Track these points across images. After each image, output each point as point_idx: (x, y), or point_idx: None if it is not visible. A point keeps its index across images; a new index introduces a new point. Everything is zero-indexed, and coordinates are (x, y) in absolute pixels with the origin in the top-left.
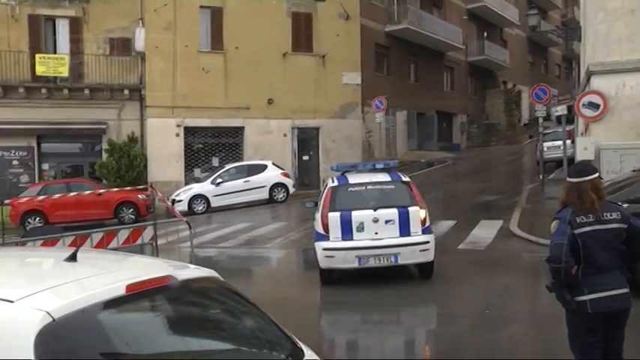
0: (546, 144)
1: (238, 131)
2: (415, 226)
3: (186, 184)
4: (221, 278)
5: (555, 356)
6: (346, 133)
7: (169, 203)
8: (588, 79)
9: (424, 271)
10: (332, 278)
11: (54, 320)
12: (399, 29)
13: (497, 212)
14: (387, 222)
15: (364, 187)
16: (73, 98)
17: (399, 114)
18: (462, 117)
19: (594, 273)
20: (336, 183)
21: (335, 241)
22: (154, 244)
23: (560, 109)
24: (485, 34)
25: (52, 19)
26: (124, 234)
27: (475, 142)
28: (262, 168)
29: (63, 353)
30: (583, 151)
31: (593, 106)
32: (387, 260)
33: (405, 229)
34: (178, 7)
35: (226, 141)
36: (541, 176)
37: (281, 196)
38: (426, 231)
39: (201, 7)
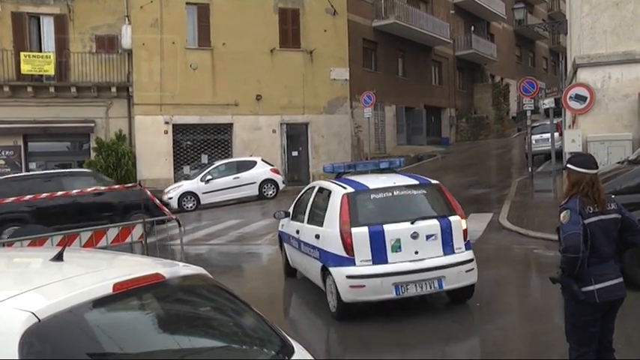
0: (534, 137)
1: (227, 128)
2: (458, 241)
3: (176, 181)
4: (210, 276)
5: (549, 347)
6: (335, 129)
7: (158, 201)
8: (575, 72)
9: (462, 295)
10: (352, 312)
11: (39, 321)
12: (386, 24)
13: (486, 205)
14: (428, 237)
15: (391, 194)
16: (59, 97)
17: (387, 109)
18: (450, 111)
19: (598, 262)
20: (350, 189)
21: (364, 265)
22: (144, 242)
23: (548, 102)
24: (473, 28)
25: (36, 17)
26: (113, 232)
27: (464, 135)
28: (252, 164)
29: (49, 354)
30: (571, 144)
31: (580, 98)
32: (431, 286)
33: (448, 246)
34: (164, 4)
35: (215, 138)
36: (530, 169)
37: (271, 192)
38: (468, 246)
39: (187, 3)
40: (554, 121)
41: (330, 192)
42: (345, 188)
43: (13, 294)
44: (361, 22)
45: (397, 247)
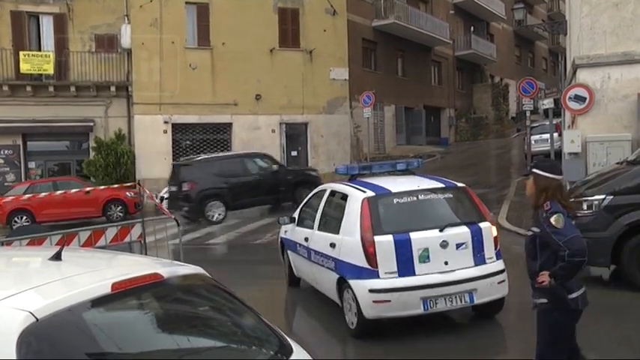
0: (534, 137)
1: (226, 127)
2: (489, 250)
3: None
4: (208, 275)
5: None
6: (334, 129)
7: (158, 200)
8: (574, 73)
9: (490, 309)
10: (373, 329)
11: (37, 320)
12: (386, 24)
13: (485, 205)
14: (458, 246)
15: (415, 198)
16: (58, 96)
17: (387, 109)
18: (449, 111)
19: None
20: (370, 193)
21: (389, 277)
22: (143, 241)
23: (547, 103)
24: (472, 28)
25: (35, 16)
26: (112, 232)
27: (463, 136)
28: None
29: (47, 353)
30: (570, 144)
31: (579, 99)
32: (462, 300)
33: (479, 255)
34: (164, 4)
35: (214, 137)
36: (529, 169)
37: None
38: (499, 255)
39: (187, 3)
40: (554, 122)
41: (346, 196)
42: (364, 192)
43: (11, 293)
44: (361, 22)
45: (425, 258)
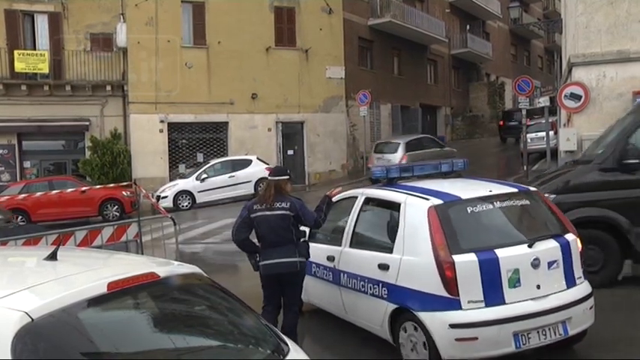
0: (530, 135)
1: (222, 126)
2: (578, 268)
3: (171, 180)
4: (205, 274)
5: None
6: (331, 127)
7: (154, 200)
8: (570, 71)
9: (571, 339)
10: None
11: (32, 320)
12: (382, 23)
13: None
14: (549, 265)
15: (492, 206)
16: (54, 95)
17: (383, 107)
18: (446, 110)
19: (265, 247)
20: (437, 200)
21: (475, 308)
22: (139, 241)
23: (543, 101)
24: (468, 26)
25: (30, 15)
26: (108, 231)
27: (459, 134)
28: (247, 163)
29: (42, 353)
30: (566, 142)
31: (575, 97)
32: (556, 333)
33: (570, 275)
34: (160, 2)
35: (211, 136)
36: (525, 167)
37: None
38: (585, 274)
39: (183, 1)
40: (550, 120)
41: (398, 204)
42: (426, 199)
43: (6, 293)
44: (357, 20)
45: (515, 281)
